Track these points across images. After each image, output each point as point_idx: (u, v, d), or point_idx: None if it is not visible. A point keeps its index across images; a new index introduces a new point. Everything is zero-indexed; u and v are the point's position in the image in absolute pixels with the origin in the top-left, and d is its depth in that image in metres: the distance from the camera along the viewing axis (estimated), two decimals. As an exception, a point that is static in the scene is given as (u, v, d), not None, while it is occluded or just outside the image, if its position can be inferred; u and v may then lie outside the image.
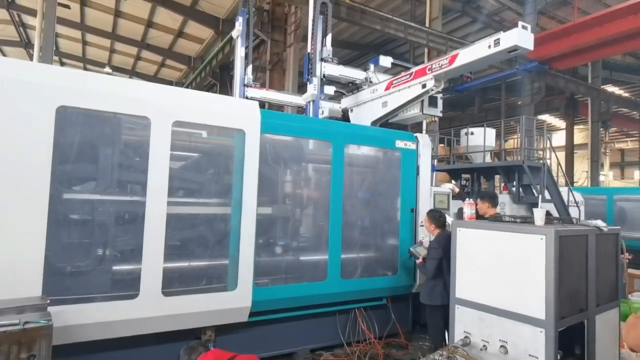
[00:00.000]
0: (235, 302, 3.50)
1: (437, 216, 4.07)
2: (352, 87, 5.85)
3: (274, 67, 12.20)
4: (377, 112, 5.29)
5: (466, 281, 3.38)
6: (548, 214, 3.49)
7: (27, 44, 19.50)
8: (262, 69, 12.61)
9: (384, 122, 5.41)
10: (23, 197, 2.68)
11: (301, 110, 7.89)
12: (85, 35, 18.80)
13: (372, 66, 5.81)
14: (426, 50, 13.42)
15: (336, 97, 6.39)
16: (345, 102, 6.02)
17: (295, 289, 3.98)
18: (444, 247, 3.75)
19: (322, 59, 5.30)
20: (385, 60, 5.80)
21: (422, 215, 4.72)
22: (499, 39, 3.76)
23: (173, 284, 3.27)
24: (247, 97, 6.63)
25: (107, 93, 3.02)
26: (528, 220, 3.37)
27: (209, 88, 17.60)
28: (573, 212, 6.77)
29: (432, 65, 4.46)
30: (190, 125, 3.42)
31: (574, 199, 6.99)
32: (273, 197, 4.02)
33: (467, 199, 3.84)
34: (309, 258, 4.30)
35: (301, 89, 14.65)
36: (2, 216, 2.62)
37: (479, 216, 3.98)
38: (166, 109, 3.22)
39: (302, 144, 4.29)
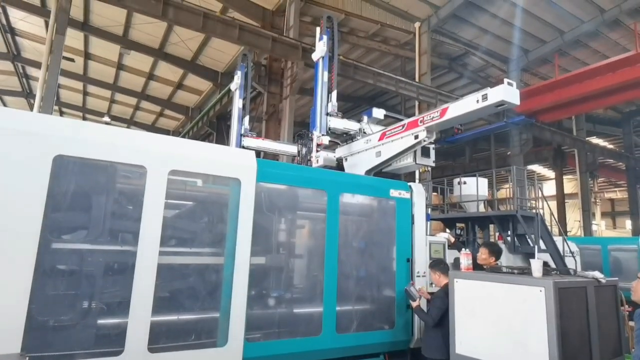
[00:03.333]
0: (225, 359, 3.31)
1: (442, 265, 4.06)
2: (346, 137, 6.02)
3: (270, 117, 12.58)
4: (371, 162, 5.39)
5: (466, 335, 3.26)
6: (545, 264, 3.47)
7: (28, 94, 20.02)
8: (259, 119, 12.98)
9: (378, 171, 5.50)
10: (11, 247, 2.60)
11: (299, 159, 8.03)
12: (86, 86, 19.39)
13: (365, 118, 6.04)
14: (417, 103, 13.99)
15: (330, 147, 6.55)
16: (340, 151, 6.15)
17: (288, 344, 3.80)
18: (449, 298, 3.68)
19: (327, 114, 5.61)
20: (379, 112, 6.05)
21: (418, 265, 4.66)
22: (486, 94, 3.95)
23: (160, 339, 3.10)
24: (243, 146, 6.76)
25: (104, 142, 3.05)
26: (525, 271, 3.33)
27: (206, 137, 17.92)
28: (569, 262, 6.73)
29: (424, 117, 4.63)
30: (186, 174, 3.44)
31: (569, 248, 6.97)
32: (267, 247, 3.96)
33: (463, 249, 3.82)
34: (303, 311, 4.15)
35: (295, 138, 14.86)
36: (-13, 267, 2.53)
37: (477, 265, 3.94)
38: (163, 158, 3.25)
39: (297, 192, 4.31)
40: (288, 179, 4.13)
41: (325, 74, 5.82)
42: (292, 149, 7.93)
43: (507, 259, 6.03)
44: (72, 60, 15.73)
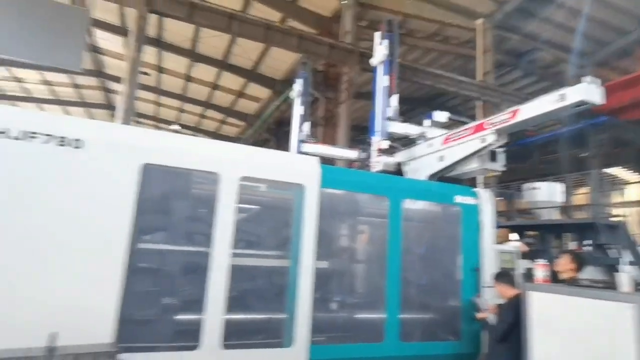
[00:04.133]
0: (291, 359, 3.41)
1: (507, 277, 3.85)
2: (406, 141, 5.91)
3: (327, 122, 12.75)
4: (433, 167, 5.24)
5: (543, 352, 3.06)
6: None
7: (109, 106, 22.06)
8: (315, 125, 13.19)
9: (441, 176, 5.34)
10: (106, 248, 2.91)
11: (359, 164, 8.06)
12: (159, 97, 20.98)
13: (427, 121, 5.88)
14: (479, 104, 13.38)
15: (390, 151, 6.46)
16: (400, 156, 6.05)
17: (352, 349, 3.82)
18: (516, 311, 3.48)
19: (387, 118, 5.54)
20: (441, 115, 5.86)
21: (486, 276, 4.44)
22: (564, 93, 3.68)
23: (232, 336, 3.27)
24: (302, 152, 6.92)
25: (184, 151, 3.31)
26: (611, 285, 3.06)
27: (264, 143, 18.59)
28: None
29: (492, 119, 4.42)
30: (255, 180, 3.61)
31: (661, 261, 6.23)
32: (330, 252, 4.02)
33: (539, 260, 3.58)
34: (366, 316, 4.15)
35: (354, 142, 14.94)
36: (87, 266, 2.84)
37: (553, 276, 3.68)
38: (234, 165, 3.44)
39: (359, 198, 4.32)
40: (350, 184, 4.16)
41: (386, 78, 5.75)
42: (350, 153, 7.96)
43: (586, 272, 5.54)
44: (147, 74, 17.12)
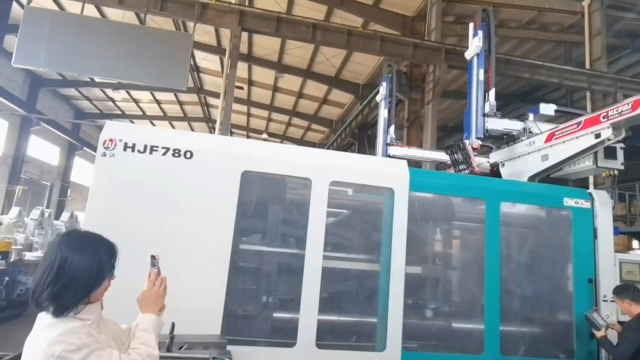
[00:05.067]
0: (383, 364, 3.39)
1: (631, 291, 3.36)
2: (507, 139, 5.45)
3: (412, 124, 12.43)
4: (535, 167, 4.79)
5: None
6: None
7: (208, 119, 24.28)
8: (399, 127, 12.96)
9: (544, 177, 4.85)
10: (213, 248, 3.21)
11: (442, 165, 7.72)
12: (249, 108, 22.51)
13: (531, 115, 5.34)
14: (588, 94, 11.89)
15: (483, 152, 6.06)
16: (495, 156, 5.64)
17: (446, 359, 3.66)
18: None
19: (484, 114, 5.19)
20: (547, 108, 5.30)
21: (603, 288, 3.92)
22: None
23: (326, 337, 3.37)
24: (389, 155, 6.85)
25: (278, 159, 3.52)
26: None
27: (348, 147, 18.76)
28: None
29: (608, 112, 3.90)
30: (344, 184, 3.68)
31: None
32: (422, 257, 3.91)
33: (674, 272, 3.06)
34: (462, 326, 3.94)
35: (439, 143, 14.38)
36: (198, 263, 3.17)
37: None
38: (324, 171, 3.55)
39: (453, 202, 4.14)
40: (442, 187, 4.01)
41: (481, 72, 5.35)
42: (437, 155, 7.66)
43: None
44: (241, 88, 18.53)
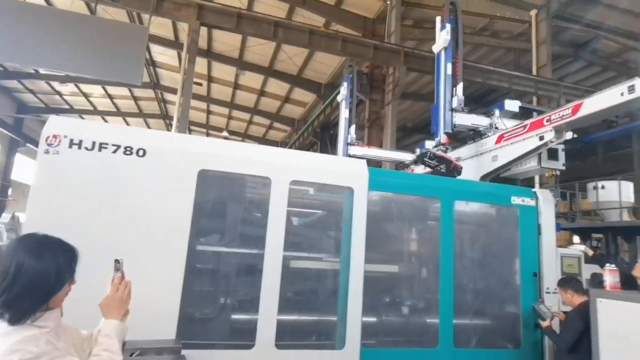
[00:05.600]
0: (343, 362, 3.42)
1: (574, 283, 3.62)
2: (472, 134, 5.55)
3: (372, 124, 12.66)
4: (486, 167, 5.04)
5: (616, 365, 2.83)
6: None
7: (165, 116, 23.41)
8: (361, 127, 13.15)
9: (495, 177, 5.11)
10: (168, 250, 3.10)
11: (400, 165, 7.94)
12: (209, 105, 21.95)
13: (497, 112, 5.49)
14: (535, 99, 12.66)
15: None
16: (458, 152, 5.82)
17: (404, 354, 3.76)
18: (586, 320, 3.25)
19: (452, 109, 5.11)
20: (512, 105, 5.49)
21: (547, 281, 4.19)
22: (634, 84, 3.40)
23: (285, 337, 3.35)
24: (350, 155, 6.94)
25: (236, 157, 3.45)
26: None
27: (310, 146, 18.79)
28: None
29: (551, 116, 4.18)
30: (304, 184, 3.67)
31: None
32: (380, 255, 3.99)
33: (607, 265, 3.33)
34: (418, 320, 4.07)
35: (399, 143, 14.68)
36: (151, 266, 3.04)
37: (627, 281, 3.39)
38: (284, 170, 3.53)
39: (409, 200, 4.26)
40: (399, 186, 4.11)
41: (449, 65, 5.26)
42: (397, 155, 7.86)
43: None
44: (200, 84, 18.01)
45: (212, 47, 15.69)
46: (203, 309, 3.43)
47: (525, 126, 4.51)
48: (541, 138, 4.26)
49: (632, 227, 5.76)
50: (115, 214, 3.05)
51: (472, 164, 5.30)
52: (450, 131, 5.04)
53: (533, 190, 4.42)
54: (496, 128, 5.25)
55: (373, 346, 3.67)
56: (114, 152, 3.11)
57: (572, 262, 4.38)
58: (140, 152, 3.15)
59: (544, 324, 3.74)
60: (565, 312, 3.89)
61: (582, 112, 3.84)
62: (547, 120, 4.20)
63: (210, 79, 18.65)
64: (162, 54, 16.95)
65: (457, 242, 4.04)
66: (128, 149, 3.14)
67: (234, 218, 3.54)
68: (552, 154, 4.62)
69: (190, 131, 25.44)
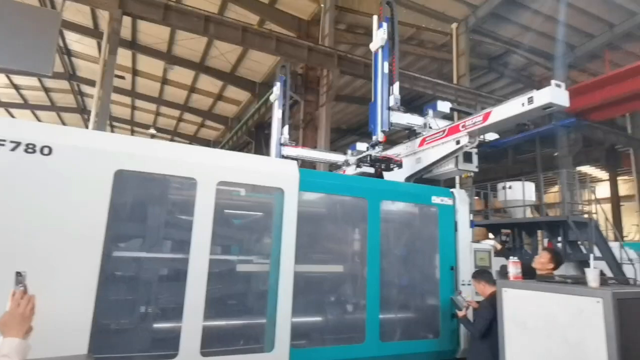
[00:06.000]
0: (272, 364, 3.40)
1: (486, 274, 3.96)
2: (408, 133, 5.71)
3: (307, 125, 12.79)
4: (411, 168, 5.33)
5: (517, 348, 3.15)
6: (602, 273, 3.29)
7: (82, 110, 21.46)
8: (296, 127, 13.21)
9: (418, 178, 5.43)
10: (79, 258, 2.83)
11: (334, 167, 8.10)
12: (134, 101, 20.55)
13: (430, 111, 5.73)
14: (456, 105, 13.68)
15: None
16: (395, 150, 6.03)
17: (332, 351, 3.83)
18: (495, 308, 3.57)
19: (389, 108, 5.11)
20: (444, 106, 5.78)
21: (462, 274, 4.55)
22: (532, 96, 3.82)
23: (212, 343, 3.24)
24: (283, 156, 6.91)
25: (159, 157, 3.26)
26: (580, 280, 3.17)
27: (244, 146, 18.45)
28: (627, 270, 6.30)
29: (465, 122, 4.54)
30: (233, 184, 3.58)
31: (627, 256, 6.53)
32: (310, 255, 4.03)
33: (511, 257, 3.69)
34: (347, 317, 4.18)
35: (334, 145, 14.92)
36: (59, 276, 2.76)
37: (529, 271, 3.80)
38: (211, 170, 3.41)
39: (338, 201, 4.35)
40: (329, 187, 4.19)
41: (386, 64, 5.21)
42: (331, 156, 8.00)
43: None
44: (122, 77, 16.76)
45: (138, 39, 14.73)
46: (120, 319, 3.19)
47: (444, 131, 4.85)
48: (457, 142, 4.62)
49: (533, 222, 6.50)
50: (16, 219, 2.72)
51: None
52: (387, 129, 5.12)
53: (451, 190, 4.77)
54: (430, 127, 5.46)
55: (303, 346, 3.69)
56: (13, 149, 2.77)
57: (484, 256, 4.80)
58: (45, 150, 2.84)
59: (460, 313, 4.06)
60: (478, 302, 4.25)
61: (491, 120, 4.24)
62: (462, 126, 4.56)
63: (135, 72, 17.47)
64: (79, 43, 15.53)
65: (384, 240, 4.23)
66: (30, 146, 2.81)
67: (156, 222, 3.34)
68: (467, 157, 5.03)
69: (112, 127, 23.61)
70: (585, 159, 20.95)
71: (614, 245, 6.49)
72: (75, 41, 15.44)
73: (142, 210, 3.34)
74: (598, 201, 6.86)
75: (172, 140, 23.72)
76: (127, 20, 12.33)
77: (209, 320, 3.25)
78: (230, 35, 10.40)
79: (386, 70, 5.23)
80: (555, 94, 3.73)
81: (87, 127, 16.34)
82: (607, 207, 17.65)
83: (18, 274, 1.72)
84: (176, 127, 24.07)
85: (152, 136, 22.96)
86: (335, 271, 4.28)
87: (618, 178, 20.48)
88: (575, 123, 14.64)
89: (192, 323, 3.11)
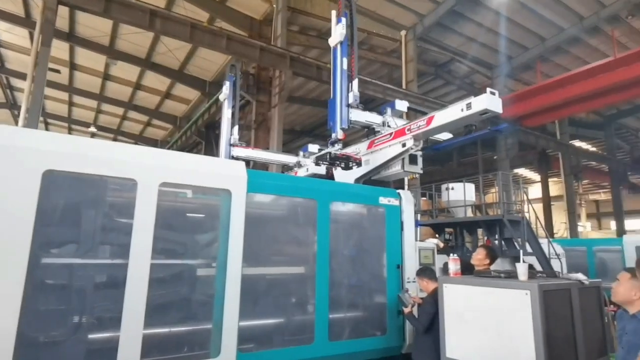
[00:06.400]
0: (218, 370, 3.31)
1: (428, 272, 4.13)
2: (366, 131, 5.71)
3: (259, 126, 12.63)
4: (360, 170, 5.45)
5: (456, 339, 3.32)
6: (531, 267, 3.56)
7: (12, 105, 19.71)
8: (248, 128, 13.01)
9: (367, 179, 5.56)
10: (1, 263, 2.59)
11: (286, 168, 8.07)
12: (72, 96, 19.20)
13: (389, 110, 5.83)
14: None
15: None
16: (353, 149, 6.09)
17: (281, 353, 3.81)
18: (437, 303, 3.74)
19: (348, 105, 5.06)
20: (402, 105, 5.91)
21: (408, 271, 4.72)
22: (470, 103, 4.06)
23: (153, 352, 3.09)
24: (233, 156, 6.78)
25: (94, 156, 3.06)
26: (512, 274, 3.41)
27: (194, 146, 17.87)
28: (555, 264, 6.87)
29: (410, 126, 4.72)
30: (177, 186, 3.45)
31: (555, 251, 7.12)
32: (258, 257, 3.97)
33: (451, 254, 3.89)
34: (295, 319, 4.17)
35: (286, 146, 14.90)
36: (-24, 284, 2.51)
37: (469, 267, 4.01)
38: (153, 171, 3.26)
39: (288, 202, 4.34)
40: (278, 189, 4.17)
41: (345, 60, 5.18)
42: (282, 157, 7.97)
43: (495, 263, 6.14)
44: (57, 71, 15.59)
45: (76, 31, 13.77)
46: (50, 330, 2.95)
47: (391, 134, 5.01)
48: (403, 145, 4.79)
49: (473, 221, 6.90)
50: None
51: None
52: (347, 127, 5.07)
53: (397, 191, 4.94)
54: (388, 126, 5.53)
55: (250, 350, 3.64)
56: None
57: (428, 254, 5.01)
58: (-39, 148, 2.57)
59: (406, 310, 4.21)
60: (422, 298, 4.43)
61: (434, 124, 4.45)
62: (408, 130, 4.74)
63: (73, 66, 16.33)
64: (9, 32, 14.24)
65: (333, 241, 4.27)
66: (-58, 143, 2.53)
67: (91, 225, 3.13)
68: (413, 160, 5.23)
69: (47, 125, 21.90)
70: (521, 162, 22.63)
71: (544, 242, 7.04)
72: (5, 30, 14.13)
73: (75, 214, 3.12)
74: (529, 201, 7.41)
75: (115, 139, 22.40)
76: (64, 10, 11.49)
77: (150, 328, 3.11)
78: (178, 32, 10.03)
79: (345, 67, 5.17)
80: (490, 101, 3.99)
81: (16, 123, 15.01)
82: (539, 206, 19.17)
83: None
84: (120, 126, 22.77)
85: (93, 135, 21.57)
86: (285, 273, 4.26)
87: (549, 180, 22.32)
88: (508, 128, 15.75)
89: (132, 332, 2.96)
